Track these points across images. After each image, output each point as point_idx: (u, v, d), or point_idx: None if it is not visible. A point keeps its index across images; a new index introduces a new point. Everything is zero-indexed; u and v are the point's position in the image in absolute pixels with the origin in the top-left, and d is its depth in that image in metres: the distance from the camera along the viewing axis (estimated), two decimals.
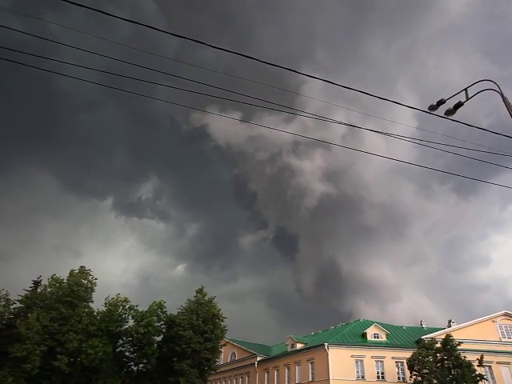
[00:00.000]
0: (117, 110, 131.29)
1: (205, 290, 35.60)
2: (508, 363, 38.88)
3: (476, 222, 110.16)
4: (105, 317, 31.80)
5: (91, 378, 30.34)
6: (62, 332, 29.48)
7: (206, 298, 34.99)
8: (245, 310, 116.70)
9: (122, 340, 32.46)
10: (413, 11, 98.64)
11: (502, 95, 9.87)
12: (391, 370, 38.77)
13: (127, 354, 32.96)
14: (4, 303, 32.04)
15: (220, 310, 34.84)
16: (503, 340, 40.74)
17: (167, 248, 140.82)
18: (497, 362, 38.37)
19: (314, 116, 9.60)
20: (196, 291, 35.61)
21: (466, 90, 9.96)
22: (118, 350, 32.54)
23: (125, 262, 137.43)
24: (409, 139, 9.59)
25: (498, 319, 42.10)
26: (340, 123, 9.63)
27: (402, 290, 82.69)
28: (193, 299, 35.17)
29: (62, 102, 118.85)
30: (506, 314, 42.32)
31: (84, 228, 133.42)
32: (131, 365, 33.36)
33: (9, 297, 32.17)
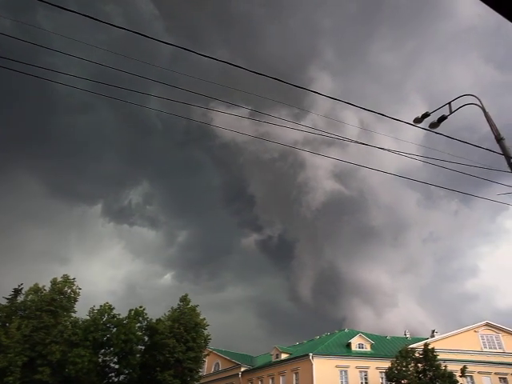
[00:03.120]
0: (108, 112, 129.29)
1: (189, 298, 35.25)
2: (489, 373, 39.47)
3: (468, 232, 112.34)
4: (89, 326, 31.13)
5: None
6: (43, 343, 28.67)
7: (189, 306, 34.57)
8: (233, 319, 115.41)
9: (105, 349, 31.79)
10: (421, 13, 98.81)
11: (483, 110, 10.20)
12: (375, 380, 38.88)
13: (110, 364, 32.26)
14: None
15: (204, 318, 34.46)
16: (484, 350, 41.37)
17: (156, 256, 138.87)
18: (478, 372, 38.88)
19: (322, 132, 9.73)
20: (180, 299, 35.17)
21: (449, 104, 10.27)
22: (100, 359, 31.84)
23: (112, 269, 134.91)
24: (399, 153, 9.77)
25: (480, 329, 42.80)
26: (343, 139, 9.77)
27: (398, 298, 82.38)
28: (176, 307, 34.74)
29: (51, 103, 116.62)
30: (487, 324, 43.06)
31: (72, 235, 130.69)
32: (112, 376, 32.61)
33: None
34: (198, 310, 34.72)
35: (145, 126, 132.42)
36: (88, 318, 32.05)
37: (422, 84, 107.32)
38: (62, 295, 31.77)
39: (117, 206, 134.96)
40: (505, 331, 42.76)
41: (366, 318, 68.71)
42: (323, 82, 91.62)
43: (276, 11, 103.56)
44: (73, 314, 32.67)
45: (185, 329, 32.42)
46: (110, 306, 32.65)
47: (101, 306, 32.55)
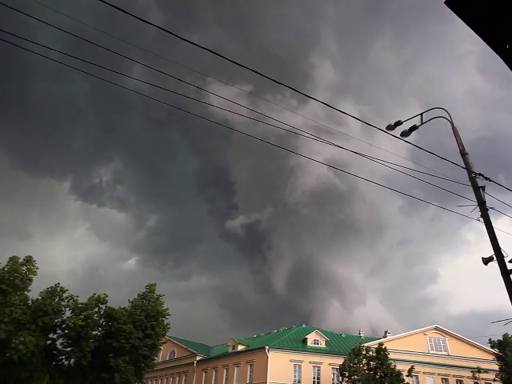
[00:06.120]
0: (84, 82, 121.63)
1: (156, 287, 34.46)
2: (433, 373, 41.68)
3: (435, 239, 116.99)
4: (39, 308, 29.96)
5: (15, 370, 28.35)
6: None
7: (155, 295, 33.87)
8: (196, 309, 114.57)
9: (56, 333, 30.74)
10: (423, 16, 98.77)
11: (451, 124, 10.52)
12: (327, 375, 40.00)
13: (60, 347, 31.24)
14: None
15: (167, 309, 33.84)
16: (431, 352, 43.55)
17: (122, 239, 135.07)
18: (423, 372, 40.94)
19: (315, 137, 9.64)
20: (146, 286, 34.33)
21: (421, 114, 10.51)
22: (49, 342, 30.77)
23: (75, 250, 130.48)
24: (374, 159, 9.91)
25: (429, 332, 44.96)
26: (334, 145, 9.76)
27: (367, 296, 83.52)
28: (141, 294, 33.92)
29: (22, 66, 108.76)
30: (436, 328, 45.29)
31: (36, 210, 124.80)
32: (62, 358, 31.63)
33: None
34: (162, 299, 34.10)
35: (123, 101, 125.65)
36: (39, 298, 30.92)
37: (419, 87, 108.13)
38: (16, 273, 30.44)
39: (87, 183, 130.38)
40: (451, 335, 45.17)
41: (333, 313, 69.35)
42: (324, 69, 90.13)
43: None
44: (26, 293, 31.39)
45: (146, 316, 31.85)
46: (62, 288, 31.61)
47: (51, 287, 31.40)
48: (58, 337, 30.82)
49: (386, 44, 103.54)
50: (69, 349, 30.73)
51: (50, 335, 30.82)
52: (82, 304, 31.01)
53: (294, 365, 39.80)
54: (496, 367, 35.97)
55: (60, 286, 31.69)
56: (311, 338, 42.90)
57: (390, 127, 10.81)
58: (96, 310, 31.35)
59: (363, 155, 9.90)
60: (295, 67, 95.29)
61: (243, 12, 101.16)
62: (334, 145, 9.68)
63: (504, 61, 2.92)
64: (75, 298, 31.48)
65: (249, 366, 41.38)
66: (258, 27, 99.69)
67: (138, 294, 33.80)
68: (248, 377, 40.85)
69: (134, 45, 9.25)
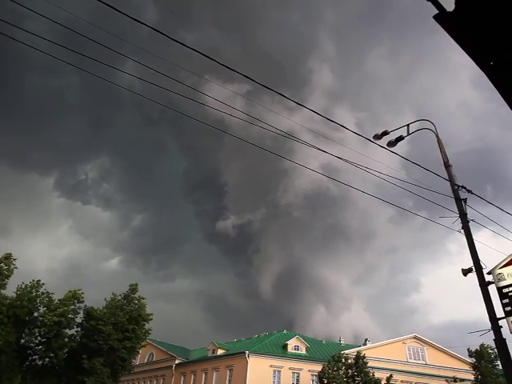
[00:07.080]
0: (74, 76, 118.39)
1: (138, 288, 33.85)
2: (410, 382, 42.09)
3: (420, 248, 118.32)
4: (14, 302, 29.18)
5: None
6: None
7: (137, 296, 33.30)
8: (178, 311, 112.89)
9: (29, 329, 29.92)
10: (419, 24, 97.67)
11: (437, 136, 10.72)
12: (306, 381, 39.98)
13: (33, 345, 30.38)
14: None
15: (151, 314, 33.23)
16: (410, 361, 43.99)
17: (106, 238, 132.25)
18: (401, 381, 41.26)
19: (311, 145, 9.63)
20: (130, 286, 33.71)
21: (408, 126, 10.68)
22: (22, 340, 29.92)
23: (56, 248, 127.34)
24: (366, 170, 9.98)
25: (408, 341, 45.43)
26: (329, 153, 9.78)
27: (352, 303, 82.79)
28: (123, 294, 33.30)
29: (10, 59, 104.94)
30: (415, 337, 45.81)
31: (17, 205, 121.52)
32: (35, 358, 30.77)
33: None
34: (145, 301, 33.47)
35: (114, 98, 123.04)
36: (14, 294, 30.17)
37: (414, 97, 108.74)
38: None
39: (72, 180, 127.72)
40: (430, 345, 45.77)
41: (318, 318, 68.66)
42: (322, 74, 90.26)
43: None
44: (3, 291, 30.56)
45: (127, 319, 31.23)
46: (39, 281, 30.92)
47: (25, 284, 30.67)
48: (30, 334, 30.01)
49: (383, 51, 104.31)
50: (39, 347, 29.96)
51: (23, 332, 29.99)
52: (58, 300, 30.39)
53: (274, 370, 39.64)
54: (472, 377, 36.54)
55: (36, 280, 30.99)
56: (292, 343, 42.85)
57: (377, 137, 10.94)
58: (72, 307, 30.74)
59: (353, 163, 9.95)
60: (293, 71, 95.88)
61: (242, 14, 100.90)
62: (325, 152, 9.71)
63: (488, 77, 2.96)
64: (50, 294, 30.81)
65: (228, 371, 41.03)
66: (257, 30, 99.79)
67: (120, 294, 33.23)
68: (227, 381, 40.47)
69: (127, 41, 9.14)
